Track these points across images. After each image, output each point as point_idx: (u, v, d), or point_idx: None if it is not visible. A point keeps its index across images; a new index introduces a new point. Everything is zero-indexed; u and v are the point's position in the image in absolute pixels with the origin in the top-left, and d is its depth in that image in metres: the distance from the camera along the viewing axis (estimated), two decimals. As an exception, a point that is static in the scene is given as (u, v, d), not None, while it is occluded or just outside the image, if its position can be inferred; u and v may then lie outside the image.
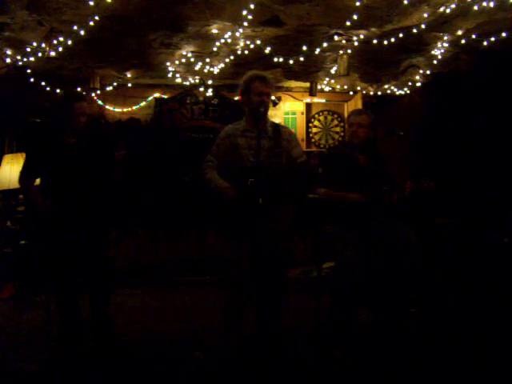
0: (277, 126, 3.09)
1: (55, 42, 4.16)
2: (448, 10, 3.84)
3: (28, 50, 4.35)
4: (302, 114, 6.27)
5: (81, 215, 3.07)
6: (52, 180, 3.13)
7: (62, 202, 3.10)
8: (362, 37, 4.37)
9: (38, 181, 3.28)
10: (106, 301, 3.18)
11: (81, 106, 3.11)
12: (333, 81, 5.76)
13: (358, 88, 6.01)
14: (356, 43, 4.49)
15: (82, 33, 4.00)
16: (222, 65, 5.07)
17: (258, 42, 4.47)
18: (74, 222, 3.05)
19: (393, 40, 4.37)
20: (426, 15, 3.94)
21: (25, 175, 3.16)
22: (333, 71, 5.28)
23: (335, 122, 6.35)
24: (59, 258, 3.08)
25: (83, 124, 3.15)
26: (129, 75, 5.43)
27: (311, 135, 6.31)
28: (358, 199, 3.11)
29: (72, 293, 3.13)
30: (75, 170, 3.08)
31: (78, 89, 5.28)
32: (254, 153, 2.89)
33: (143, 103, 5.90)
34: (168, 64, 5.07)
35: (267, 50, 4.61)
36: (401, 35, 4.27)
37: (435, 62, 4.95)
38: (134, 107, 5.89)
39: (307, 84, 5.66)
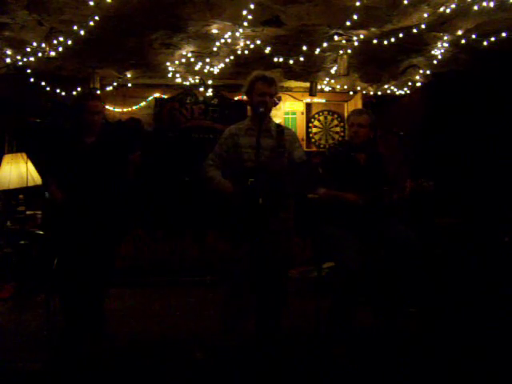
0: (280, 127, 3.11)
1: (55, 41, 4.16)
2: (448, 10, 3.84)
3: (28, 49, 4.34)
4: (302, 113, 6.27)
5: (94, 214, 3.09)
6: (69, 179, 3.15)
7: (76, 200, 3.11)
8: (362, 37, 4.37)
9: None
10: (100, 299, 3.21)
11: (95, 104, 3.14)
12: (333, 81, 5.75)
13: (358, 88, 6.01)
14: (356, 43, 4.49)
15: (82, 33, 4.00)
16: (222, 65, 5.06)
17: (258, 42, 4.47)
18: (86, 221, 3.07)
19: (393, 40, 4.36)
20: (426, 15, 3.93)
21: (47, 175, 3.21)
22: (333, 71, 5.28)
23: (335, 122, 6.35)
24: (69, 255, 3.10)
25: (100, 123, 3.17)
26: (129, 75, 5.43)
27: (311, 135, 6.31)
28: (355, 201, 3.11)
29: (75, 291, 3.14)
30: (92, 170, 3.09)
31: (78, 89, 5.29)
32: (256, 152, 2.89)
33: (143, 103, 5.90)
34: (168, 64, 5.07)
35: (267, 50, 4.61)
36: (401, 35, 4.27)
37: (435, 62, 4.95)
38: (134, 107, 5.89)
39: (307, 84, 5.66)
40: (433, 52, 4.76)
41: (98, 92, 5.44)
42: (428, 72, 5.28)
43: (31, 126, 5.45)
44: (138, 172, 3.20)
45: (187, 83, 5.70)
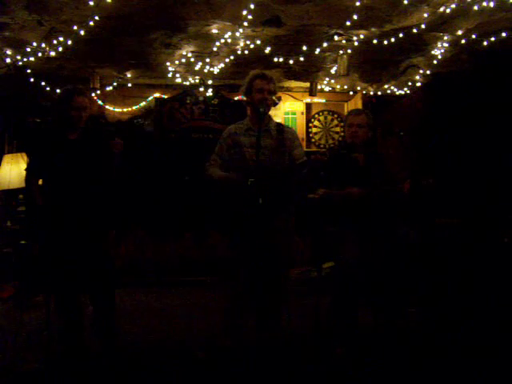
0: (280, 126, 3.10)
1: (55, 42, 4.16)
2: (448, 10, 3.84)
3: (28, 50, 4.35)
4: (302, 114, 6.27)
5: (80, 213, 3.06)
6: (52, 177, 3.10)
7: (61, 200, 3.07)
8: (362, 37, 4.37)
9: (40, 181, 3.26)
10: (109, 301, 3.12)
11: (81, 99, 3.07)
12: (333, 81, 5.76)
13: (358, 88, 6.01)
14: (356, 43, 4.49)
15: (82, 33, 4.00)
16: (221, 65, 5.07)
17: (258, 42, 4.47)
18: (73, 220, 3.04)
19: (393, 40, 4.37)
20: (426, 15, 3.94)
21: (31, 173, 3.15)
22: (333, 71, 5.28)
23: (335, 122, 6.35)
24: (58, 257, 3.05)
25: (85, 120, 3.12)
26: (129, 75, 5.43)
27: (311, 135, 6.31)
28: (360, 194, 3.11)
29: (71, 292, 3.10)
30: (75, 168, 3.06)
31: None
32: (256, 151, 2.89)
33: (143, 103, 5.90)
34: (168, 64, 5.07)
35: (267, 50, 4.62)
36: (401, 35, 4.28)
37: (435, 62, 4.96)
38: (133, 107, 5.89)
39: (307, 84, 5.66)
40: (433, 52, 4.77)
41: (99, 92, 5.45)
42: (428, 72, 5.29)
43: (31, 125, 5.45)
44: (122, 164, 3.14)
45: (187, 83, 5.70)
